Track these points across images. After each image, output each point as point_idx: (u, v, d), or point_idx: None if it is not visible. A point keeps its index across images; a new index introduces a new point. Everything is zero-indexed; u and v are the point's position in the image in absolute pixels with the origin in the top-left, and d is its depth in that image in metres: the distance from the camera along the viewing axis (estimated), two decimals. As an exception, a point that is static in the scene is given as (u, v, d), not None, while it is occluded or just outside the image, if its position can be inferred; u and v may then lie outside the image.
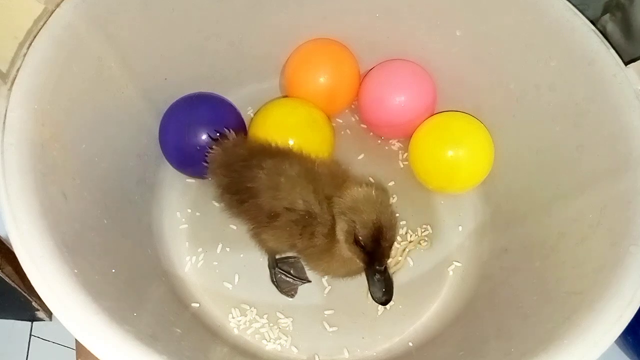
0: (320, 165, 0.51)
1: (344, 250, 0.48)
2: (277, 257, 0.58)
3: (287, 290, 0.57)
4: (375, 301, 0.47)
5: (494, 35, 0.56)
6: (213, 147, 0.55)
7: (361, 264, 0.47)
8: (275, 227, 0.50)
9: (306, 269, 0.58)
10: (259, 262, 0.58)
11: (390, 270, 0.51)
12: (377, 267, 0.46)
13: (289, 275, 0.57)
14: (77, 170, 0.47)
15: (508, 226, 0.58)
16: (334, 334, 0.55)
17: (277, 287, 0.57)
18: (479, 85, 0.60)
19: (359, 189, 0.47)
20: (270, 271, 0.57)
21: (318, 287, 0.58)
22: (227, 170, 0.53)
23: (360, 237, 0.45)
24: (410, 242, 0.60)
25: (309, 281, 0.58)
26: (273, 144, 0.54)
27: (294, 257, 0.58)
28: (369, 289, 0.47)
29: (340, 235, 0.47)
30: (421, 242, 0.60)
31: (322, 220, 0.48)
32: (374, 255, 0.45)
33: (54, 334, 0.80)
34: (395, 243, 0.60)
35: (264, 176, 0.50)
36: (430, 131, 0.61)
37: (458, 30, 0.58)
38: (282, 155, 0.52)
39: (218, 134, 0.56)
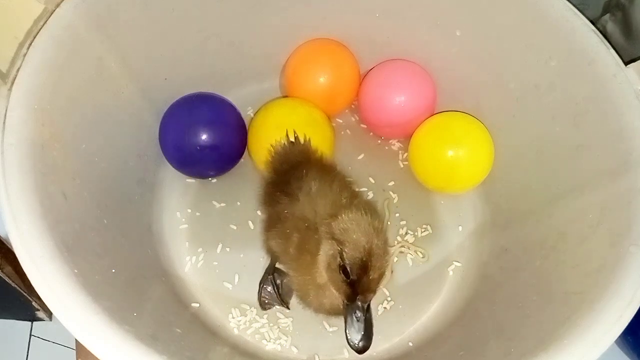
0: (335, 183, 0.50)
1: (322, 278, 0.43)
2: (277, 265, 0.57)
3: (264, 301, 0.56)
4: (351, 346, 0.40)
5: (494, 35, 0.56)
6: (284, 143, 0.57)
7: (341, 299, 0.41)
8: (281, 228, 0.50)
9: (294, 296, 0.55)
10: (259, 262, 0.58)
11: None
12: (360, 302, 0.40)
13: (275, 289, 0.56)
14: (77, 170, 0.46)
15: (508, 226, 0.58)
16: (334, 334, 0.55)
17: (259, 291, 0.56)
18: (479, 85, 0.60)
19: (354, 212, 0.42)
20: (263, 275, 0.57)
21: (318, 287, 0.58)
22: (281, 166, 0.55)
23: (346, 262, 0.39)
24: (404, 246, 0.60)
25: (287, 308, 0.56)
26: (318, 154, 0.56)
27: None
28: (345, 330, 0.40)
29: (323, 258, 0.43)
30: (417, 251, 0.60)
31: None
32: (358, 286, 0.40)
33: (54, 334, 0.80)
34: (395, 242, 0.60)
35: (302, 182, 0.50)
36: (430, 131, 0.61)
37: (458, 30, 0.58)
38: (316, 165, 0.53)
39: (295, 136, 0.57)
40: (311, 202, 0.48)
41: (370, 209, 0.46)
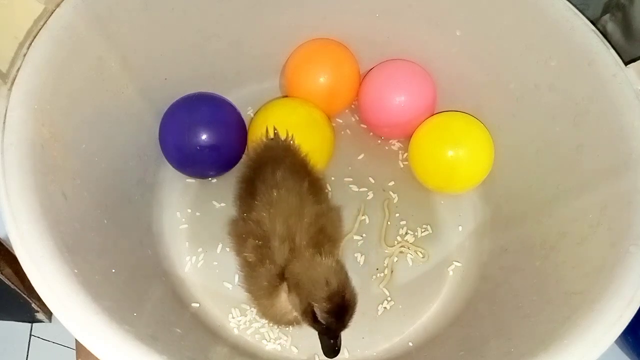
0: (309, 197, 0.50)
1: (276, 300, 0.47)
2: None
3: None
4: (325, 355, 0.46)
5: (494, 35, 0.56)
6: (264, 139, 0.56)
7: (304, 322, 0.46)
8: (238, 230, 0.50)
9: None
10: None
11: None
12: (332, 336, 0.45)
13: None
14: (77, 170, 0.46)
15: (508, 226, 0.58)
16: (334, 334, 0.55)
17: None
18: (479, 85, 0.60)
19: (320, 260, 0.44)
20: None
21: (318, 287, 0.58)
22: (253, 163, 0.54)
23: (320, 317, 0.43)
24: (404, 246, 0.60)
25: None
26: (295, 153, 0.55)
27: None
28: (321, 344, 0.46)
29: (296, 309, 0.45)
30: (417, 251, 0.60)
31: (276, 256, 0.46)
32: (331, 330, 0.44)
33: (54, 334, 0.80)
34: (395, 242, 0.60)
35: (265, 185, 0.50)
36: (430, 131, 0.61)
37: (458, 30, 0.58)
38: (285, 167, 0.52)
39: (275, 132, 0.57)
40: (270, 210, 0.48)
41: (333, 220, 0.51)
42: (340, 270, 0.44)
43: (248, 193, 0.52)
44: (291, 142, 0.57)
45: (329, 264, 0.44)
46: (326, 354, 0.45)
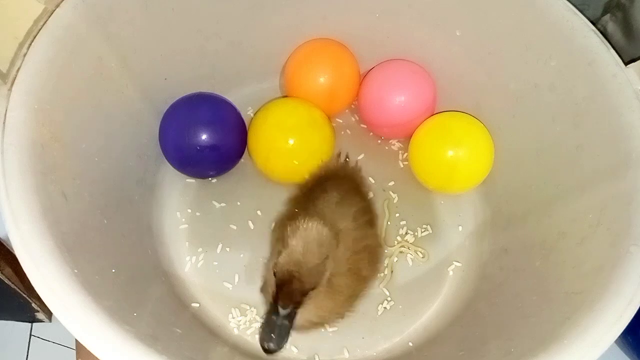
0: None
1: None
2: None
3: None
4: (259, 342, 0.43)
5: (494, 35, 0.56)
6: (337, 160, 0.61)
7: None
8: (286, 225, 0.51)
9: None
10: (259, 262, 0.58)
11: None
12: (280, 307, 0.42)
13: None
14: (77, 170, 0.47)
15: (508, 226, 0.58)
16: (334, 334, 0.55)
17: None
18: (479, 85, 0.60)
19: (308, 225, 0.43)
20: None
21: (318, 287, 0.58)
22: (319, 176, 0.57)
23: (277, 265, 0.42)
24: (404, 246, 0.60)
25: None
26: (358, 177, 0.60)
27: None
28: (260, 327, 0.42)
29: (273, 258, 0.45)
30: (417, 251, 0.60)
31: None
32: (280, 292, 0.42)
33: (54, 334, 0.80)
34: (395, 242, 0.60)
35: (327, 191, 0.53)
36: (430, 131, 0.61)
37: (458, 30, 0.58)
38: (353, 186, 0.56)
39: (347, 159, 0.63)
40: (326, 212, 0.49)
41: (372, 246, 0.52)
42: (321, 242, 0.42)
43: (307, 199, 0.54)
44: (357, 167, 0.62)
45: (315, 230, 0.43)
46: (260, 335, 0.43)
